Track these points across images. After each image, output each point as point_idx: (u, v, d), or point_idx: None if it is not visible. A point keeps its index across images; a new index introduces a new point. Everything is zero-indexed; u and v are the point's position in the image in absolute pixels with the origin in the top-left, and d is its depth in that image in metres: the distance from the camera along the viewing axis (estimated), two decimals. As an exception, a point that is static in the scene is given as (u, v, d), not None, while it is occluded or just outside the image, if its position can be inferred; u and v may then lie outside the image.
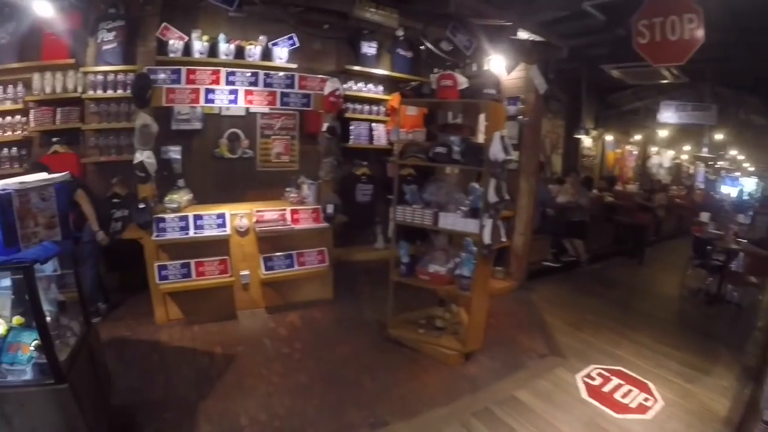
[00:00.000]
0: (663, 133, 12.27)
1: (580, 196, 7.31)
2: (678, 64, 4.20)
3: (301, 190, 5.30)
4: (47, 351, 2.20)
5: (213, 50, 5.19)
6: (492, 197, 3.69)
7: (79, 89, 5.05)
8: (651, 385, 3.75)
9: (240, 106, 5.18)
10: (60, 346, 2.40)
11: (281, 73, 4.89)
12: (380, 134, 6.49)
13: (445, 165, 4.11)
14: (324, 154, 5.20)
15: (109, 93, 5.07)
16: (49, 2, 4.29)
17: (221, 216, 4.67)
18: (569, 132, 9.33)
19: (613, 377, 3.86)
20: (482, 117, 5.05)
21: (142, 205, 4.37)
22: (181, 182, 5.25)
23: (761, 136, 11.53)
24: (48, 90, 4.96)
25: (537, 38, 5.34)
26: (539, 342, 4.53)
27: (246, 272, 4.80)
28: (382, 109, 6.51)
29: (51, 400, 2.24)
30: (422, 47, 6.38)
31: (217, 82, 4.61)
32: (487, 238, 3.72)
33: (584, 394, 3.61)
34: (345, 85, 6.01)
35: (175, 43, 5.04)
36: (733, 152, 15.71)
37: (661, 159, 13.86)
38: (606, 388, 3.70)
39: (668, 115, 8.13)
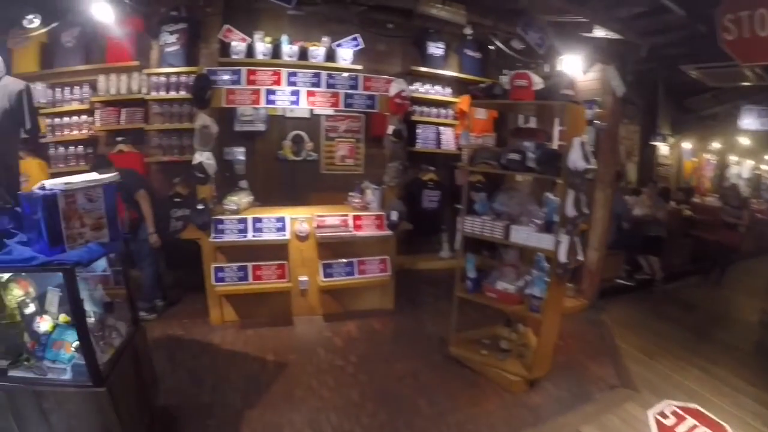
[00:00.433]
0: (743, 141, 11.23)
1: (657, 209, 6.72)
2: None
3: (364, 195, 5.12)
4: (86, 354, 2.20)
5: (276, 52, 5.18)
6: (570, 211, 3.30)
7: (143, 90, 5.16)
8: (727, 428, 3.26)
9: (304, 108, 5.14)
10: (104, 347, 2.44)
11: (345, 74, 4.73)
12: (448, 138, 6.29)
13: (518, 173, 3.77)
14: (389, 159, 4.99)
15: (172, 94, 5.19)
16: (112, 7, 4.42)
17: (281, 220, 4.56)
18: (644, 138, 8.69)
19: (687, 416, 3.38)
20: (556, 121, 4.73)
21: (200, 206, 4.33)
22: (243, 183, 5.26)
23: None
24: (113, 91, 5.15)
25: (613, 36, 4.90)
26: (609, 370, 4.12)
27: (304, 278, 4.67)
28: (450, 112, 6.29)
29: (88, 402, 2.26)
30: (491, 47, 6.10)
31: (278, 82, 4.50)
32: (562, 257, 3.34)
33: (656, 435, 3.18)
34: (411, 87, 5.84)
35: (238, 44, 5.06)
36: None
37: (741, 169, 12.72)
38: (680, 429, 3.25)
39: (749, 121, 7.46)
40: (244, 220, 4.48)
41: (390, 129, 4.85)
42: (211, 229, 4.35)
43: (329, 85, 4.62)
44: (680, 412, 3.46)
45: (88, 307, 2.46)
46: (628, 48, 5.15)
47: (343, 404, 3.33)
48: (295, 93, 4.55)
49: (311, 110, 5.66)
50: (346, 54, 5.32)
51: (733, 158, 12.62)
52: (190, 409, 3.16)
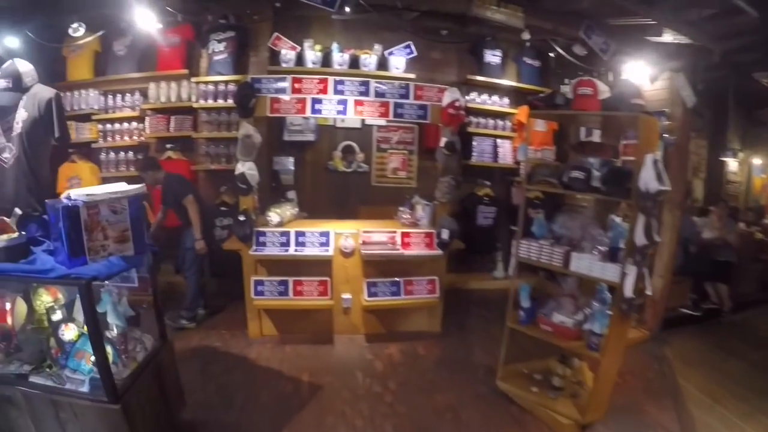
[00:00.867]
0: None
1: (727, 231, 6.14)
2: None
3: (414, 211, 4.87)
4: (101, 370, 2.19)
5: (326, 60, 5.08)
6: (640, 239, 2.91)
7: (192, 98, 5.19)
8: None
9: (355, 118, 4.99)
10: (126, 360, 2.44)
11: (395, 82, 4.52)
12: (506, 152, 6.00)
13: (581, 193, 3.44)
14: (441, 172, 4.71)
15: (219, 102, 5.18)
16: (161, 17, 4.48)
17: (325, 234, 4.40)
18: (712, 153, 8.06)
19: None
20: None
21: (241, 218, 4.25)
22: (291, 194, 5.20)
23: None
24: (163, 99, 5.23)
25: (682, 40, 4.53)
26: (669, 415, 3.68)
27: (348, 296, 4.49)
28: (508, 123, 6.00)
29: (102, 417, 2.23)
30: (551, 54, 5.77)
31: (324, 91, 4.35)
32: (628, 291, 2.94)
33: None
34: (468, 97, 5.61)
35: (288, 52, 4.99)
36: None
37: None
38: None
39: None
40: (286, 233, 4.35)
41: (442, 141, 4.58)
42: (252, 241, 4.25)
43: (378, 94, 4.42)
44: (744, 470, 3.03)
45: (111, 319, 2.42)
46: (698, 54, 4.74)
47: (376, 438, 3.11)
48: (342, 102, 4.39)
49: (362, 120, 5.53)
50: (398, 62, 5.15)
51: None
52: (215, 426, 3.08)
